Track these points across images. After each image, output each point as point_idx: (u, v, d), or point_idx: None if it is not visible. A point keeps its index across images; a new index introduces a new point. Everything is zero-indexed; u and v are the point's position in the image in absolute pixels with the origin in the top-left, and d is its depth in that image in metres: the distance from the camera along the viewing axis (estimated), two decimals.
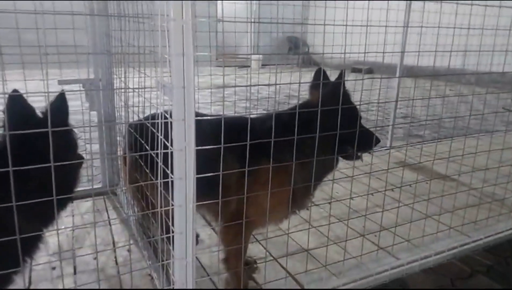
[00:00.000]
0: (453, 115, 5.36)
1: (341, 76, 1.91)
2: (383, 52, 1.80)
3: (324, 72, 1.93)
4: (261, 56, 11.70)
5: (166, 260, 1.61)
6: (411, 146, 4.54)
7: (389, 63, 4.64)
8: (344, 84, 1.90)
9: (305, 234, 2.22)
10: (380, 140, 2.01)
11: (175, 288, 1.57)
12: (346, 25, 1.65)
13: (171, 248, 1.54)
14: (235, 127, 1.80)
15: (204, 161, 1.50)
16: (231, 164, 1.79)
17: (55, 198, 1.34)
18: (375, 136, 1.98)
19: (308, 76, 2.05)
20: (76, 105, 1.70)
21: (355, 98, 2.06)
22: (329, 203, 2.65)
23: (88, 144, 4.02)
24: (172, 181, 1.46)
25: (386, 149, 4.50)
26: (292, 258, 2.39)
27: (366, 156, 2.09)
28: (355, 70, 11.24)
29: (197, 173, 1.46)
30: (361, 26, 1.76)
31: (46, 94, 1.41)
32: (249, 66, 12.43)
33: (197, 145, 1.44)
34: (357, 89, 2.19)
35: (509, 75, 3.19)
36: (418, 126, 5.88)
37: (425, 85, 5.90)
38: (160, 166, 1.53)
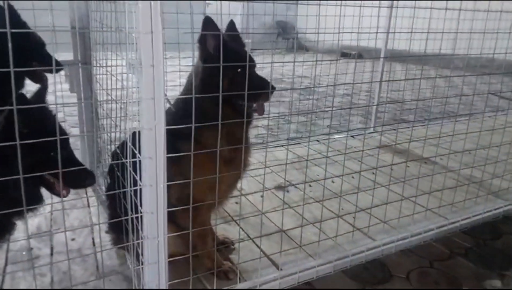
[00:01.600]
0: (438, 100, 5.38)
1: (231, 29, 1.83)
2: (358, 33, 1.79)
3: (212, 22, 1.77)
4: (249, 40, 11.59)
5: (137, 240, 1.62)
6: (393, 129, 4.57)
7: (378, 48, 4.61)
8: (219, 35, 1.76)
9: (283, 216, 2.24)
10: (275, 88, 1.84)
11: (144, 267, 1.58)
12: (320, 5, 1.64)
13: (139, 228, 1.54)
14: None
15: None
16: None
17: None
18: (270, 84, 1.83)
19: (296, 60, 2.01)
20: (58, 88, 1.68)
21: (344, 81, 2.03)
22: (305, 183, 2.67)
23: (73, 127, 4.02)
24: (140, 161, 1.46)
25: (368, 133, 4.53)
26: (269, 239, 2.41)
27: (343, 138, 2.08)
28: (344, 55, 11.20)
29: None
30: (335, 5, 1.75)
31: None
32: None
33: None
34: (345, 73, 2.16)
35: (498, 60, 3.19)
36: (403, 110, 5.91)
37: (415, 71, 5.91)
38: (129, 146, 1.53)
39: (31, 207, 1.57)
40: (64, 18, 2.78)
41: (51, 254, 2.23)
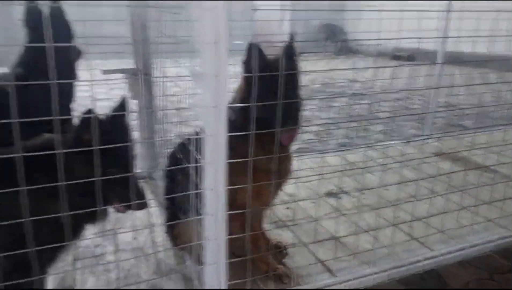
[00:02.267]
0: (495, 104, 5.13)
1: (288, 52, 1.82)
2: (418, 38, 1.76)
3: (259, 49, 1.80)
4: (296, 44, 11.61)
5: (198, 241, 1.69)
6: (449, 136, 4.40)
7: (431, 50, 4.46)
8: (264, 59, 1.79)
9: (336, 223, 2.24)
10: (297, 125, 1.87)
11: (205, 267, 1.65)
12: (380, 10, 1.64)
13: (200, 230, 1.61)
14: None
15: None
16: None
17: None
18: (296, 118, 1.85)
19: (343, 64, 2.01)
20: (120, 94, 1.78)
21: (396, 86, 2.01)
22: (360, 191, 2.64)
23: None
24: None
25: (423, 139, 4.39)
26: (322, 246, 2.41)
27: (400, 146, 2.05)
28: (395, 57, 10.93)
29: None
30: (393, 11, 1.74)
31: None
32: None
33: None
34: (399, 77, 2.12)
35: None
36: (461, 115, 5.67)
37: (474, 74, 5.67)
38: (192, 151, 1.60)
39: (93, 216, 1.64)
40: (124, 27, 2.96)
41: (115, 251, 2.37)
